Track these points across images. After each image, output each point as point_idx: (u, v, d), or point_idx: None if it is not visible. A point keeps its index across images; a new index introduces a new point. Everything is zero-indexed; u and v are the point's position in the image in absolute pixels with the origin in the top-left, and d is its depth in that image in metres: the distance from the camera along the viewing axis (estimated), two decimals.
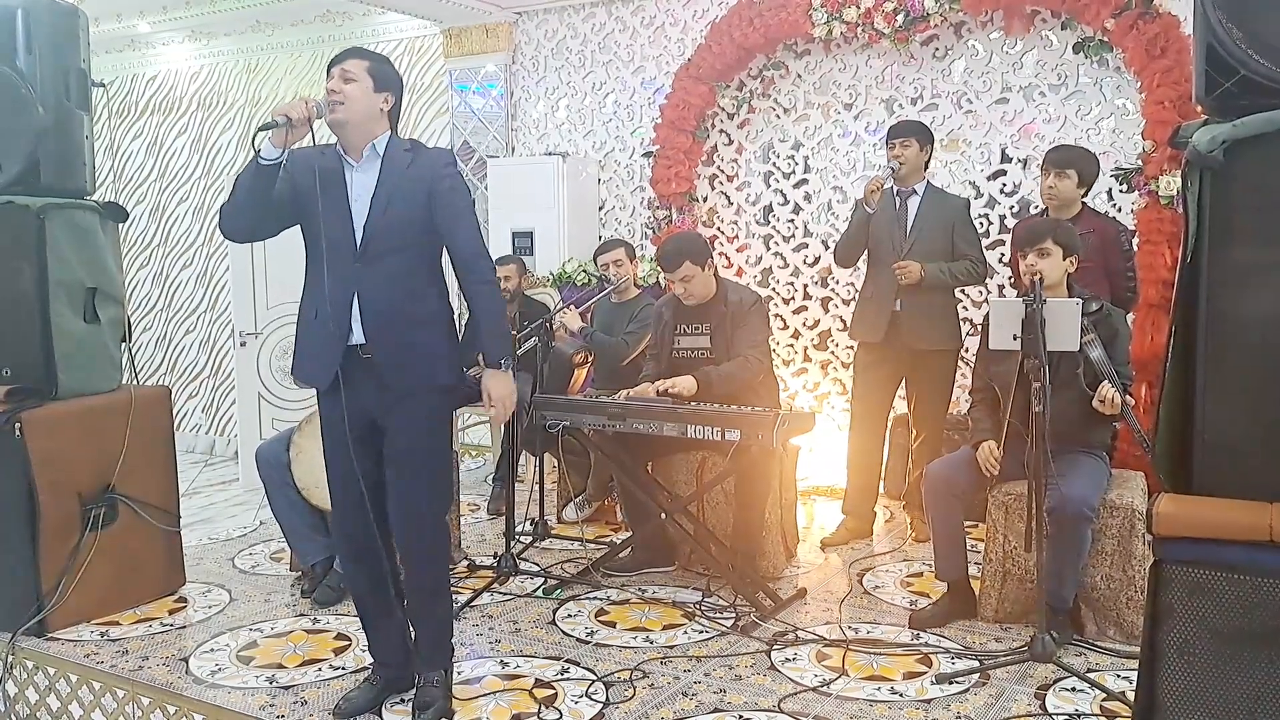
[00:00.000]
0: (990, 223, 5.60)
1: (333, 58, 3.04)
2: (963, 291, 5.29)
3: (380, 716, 3.16)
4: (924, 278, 4.56)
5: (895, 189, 4.76)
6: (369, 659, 3.35)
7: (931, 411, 4.82)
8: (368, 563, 3.18)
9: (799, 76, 6.12)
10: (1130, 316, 4.55)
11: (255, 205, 3.00)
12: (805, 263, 6.22)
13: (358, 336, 3.02)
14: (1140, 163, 5.01)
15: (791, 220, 6.25)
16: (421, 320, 3.07)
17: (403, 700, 3.23)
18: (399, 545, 3.18)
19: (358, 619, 3.33)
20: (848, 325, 5.41)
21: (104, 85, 4.12)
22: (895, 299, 4.66)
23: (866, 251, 4.81)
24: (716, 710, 3.15)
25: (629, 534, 4.61)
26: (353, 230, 3.01)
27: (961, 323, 4.89)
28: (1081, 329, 3.45)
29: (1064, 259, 3.68)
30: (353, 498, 3.09)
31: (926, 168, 4.81)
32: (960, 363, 4.92)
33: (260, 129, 2.89)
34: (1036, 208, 4.78)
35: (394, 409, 3.05)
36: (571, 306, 5.24)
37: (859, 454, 4.89)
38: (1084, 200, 4.42)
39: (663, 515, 4.20)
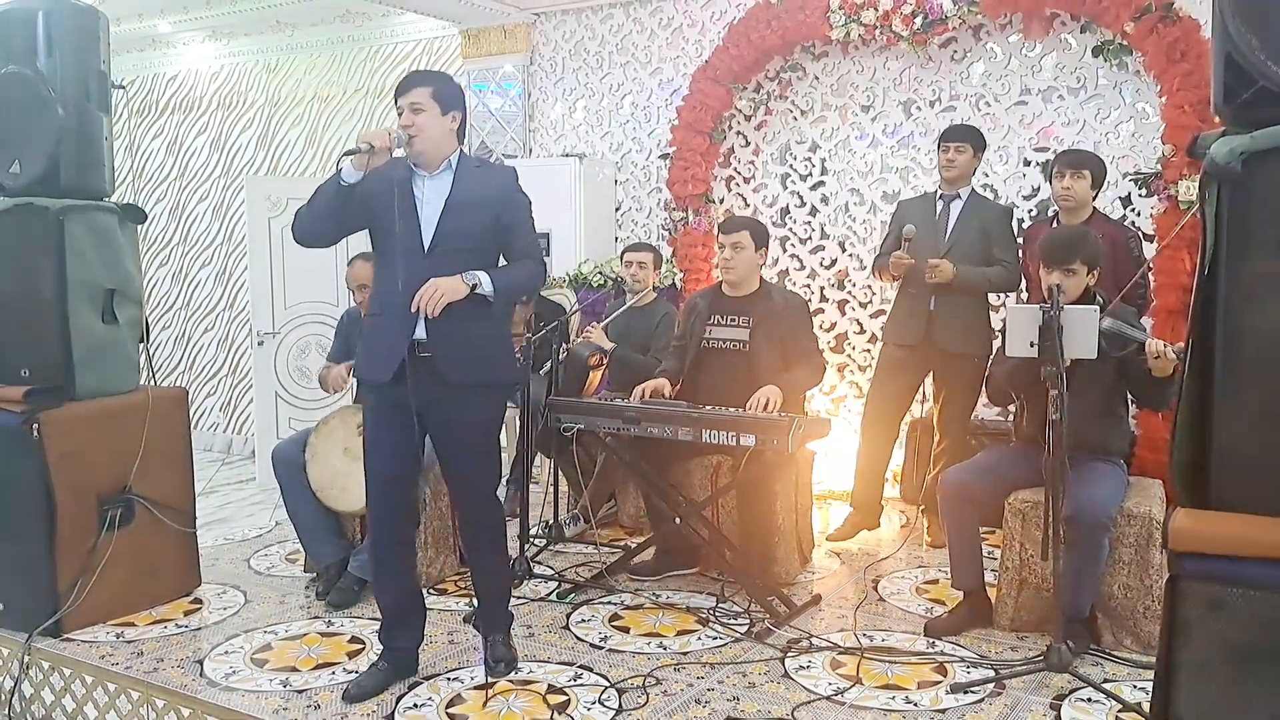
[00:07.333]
0: None
1: (398, 86, 3.23)
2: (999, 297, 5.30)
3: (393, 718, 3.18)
4: (956, 277, 4.55)
5: (940, 193, 4.78)
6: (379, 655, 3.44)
7: (958, 416, 4.82)
8: (403, 543, 3.44)
9: (816, 78, 6.10)
10: (1146, 321, 4.52)
11: (331, 218, 3.22)
12: (822, 265, 6.19)
13: (420, 332, 3.19)
14: (1159, 167, 4.96)
15: (808, 222, 6.23)
16: (482, 318, 3.24)
17: (415, 706, 3.24)
18: (463, 525, 3.57)
19: (372, 620, 3.37)
20: (876, 329, 5.40)
21: (124, 87, 4.16)
22: (930, 299, 4.66)
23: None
24: (730, 718, 3.14)
25: (646, 537, 4.60)
26: (420, 232, 3.22)
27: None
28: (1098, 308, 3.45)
29: (1087, 275, 3.67)
30: (395, 476, 3.32)
31: (974, 174, 4.81)
32: None
33: (345, 154, 3.10)
34: (1054, 211, 4.75)
35: (451, 403, 3.23)
36: (594, 325, 5.20)
37: (872, 449, 4.91)
38: (1094, 204, 4.40)
39: (677, 520, 4.19)
